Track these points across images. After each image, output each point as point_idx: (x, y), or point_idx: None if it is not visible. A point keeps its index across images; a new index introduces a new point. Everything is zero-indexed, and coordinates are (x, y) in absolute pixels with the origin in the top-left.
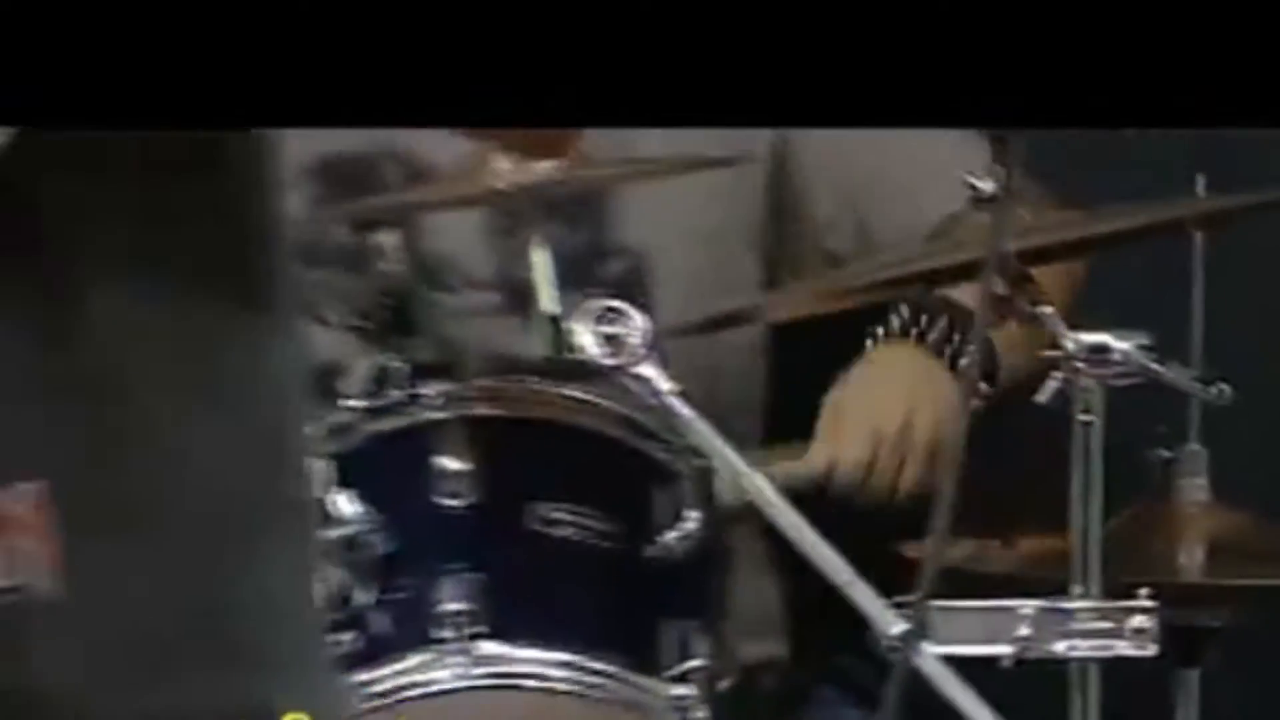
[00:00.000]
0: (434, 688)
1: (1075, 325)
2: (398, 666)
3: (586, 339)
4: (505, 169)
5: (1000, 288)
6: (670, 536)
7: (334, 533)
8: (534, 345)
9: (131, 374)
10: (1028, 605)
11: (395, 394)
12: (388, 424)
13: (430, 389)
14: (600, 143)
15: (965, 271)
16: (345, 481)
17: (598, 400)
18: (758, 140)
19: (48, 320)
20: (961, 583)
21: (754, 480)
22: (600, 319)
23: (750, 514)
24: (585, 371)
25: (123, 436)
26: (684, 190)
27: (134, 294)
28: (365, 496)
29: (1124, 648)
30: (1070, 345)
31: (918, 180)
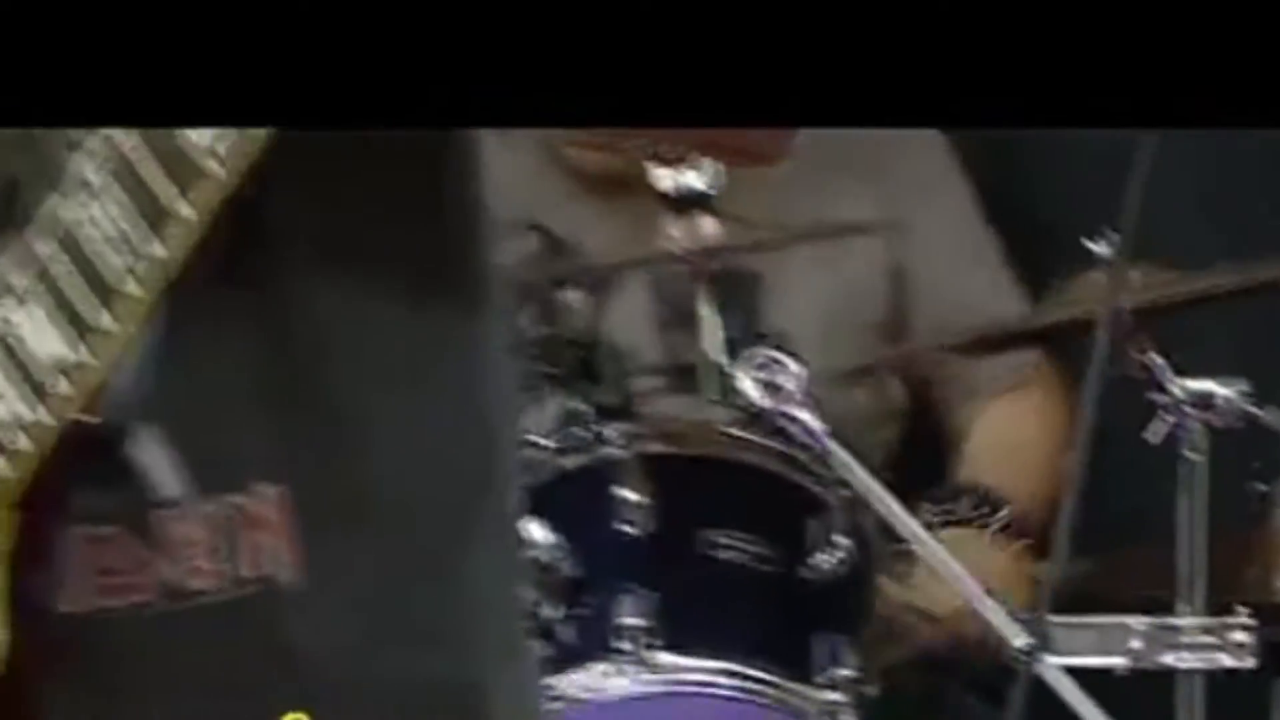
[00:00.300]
0: (613, 694)
1: (1182, 372)
2: (581, 675)
3: (748, 385)
4: (678, 234)
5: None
6: (822, 559)
7: (526, 555)
8: (702, 390)
9: (353, 375)
10: (1140, 621)
11: (580, 433)
12: (574, 460)
13: (611, 429)
14: (754, 207)
15: (1080, 327)
16: (536, 511)
17: (758, 439)
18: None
19: (275, 327)
20: (1078, 600)
21: (894, 508)
22: (761, 367)
23: (891, 536)
24: (749, 412)
25: (348, 434)
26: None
27: (353, 297)
28: (554, 525)
29: (1226, 660)
30: (1178, 392)
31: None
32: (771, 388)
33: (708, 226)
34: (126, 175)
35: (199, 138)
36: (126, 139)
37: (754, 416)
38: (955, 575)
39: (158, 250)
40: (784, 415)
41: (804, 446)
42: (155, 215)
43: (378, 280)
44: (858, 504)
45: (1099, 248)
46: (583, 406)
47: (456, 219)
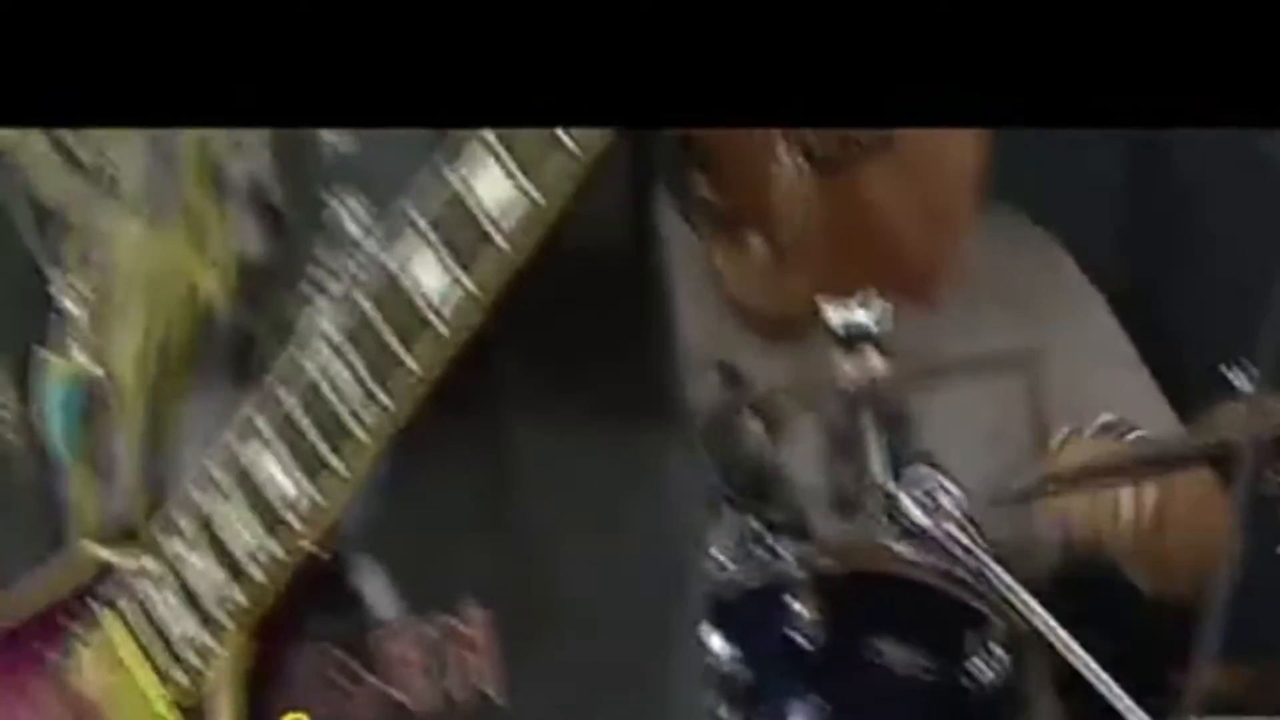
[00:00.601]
0: None
1: None
2: None
3: (911, 505)
4: (847, 368)
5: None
6: (981, 669)
7: (708, 664)
8: (870, 510)
9: (554, 498)
10: None
11: (757, 551)
12: (751, 577)
13: (786, 547)
14: (909, 342)
15: (1223, 452)
16: (716, 623)
17: (921, 556)
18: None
19: (485, 456)
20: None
21: (1047, 620)
22: (922, 488)
23: (1045, 648)
24: (911, 531)
25: (549, 555)
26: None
27: (555, 425)
28: (732, 636)
29: None
30: None
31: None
32: (932, 508)
33: (875, 361)
34: (359, 330)
35: (428, 294)
36: (363, 298)
37: (917, 535)
38: (1104, 681)
39: (386, 401)
40: (944, 533)
41: (963, 563)
42: (385, 369)
43: (579, 409)
44: (1015, 617)
45: (1238, 379)
46: (759, 526)
47: (652, 355)
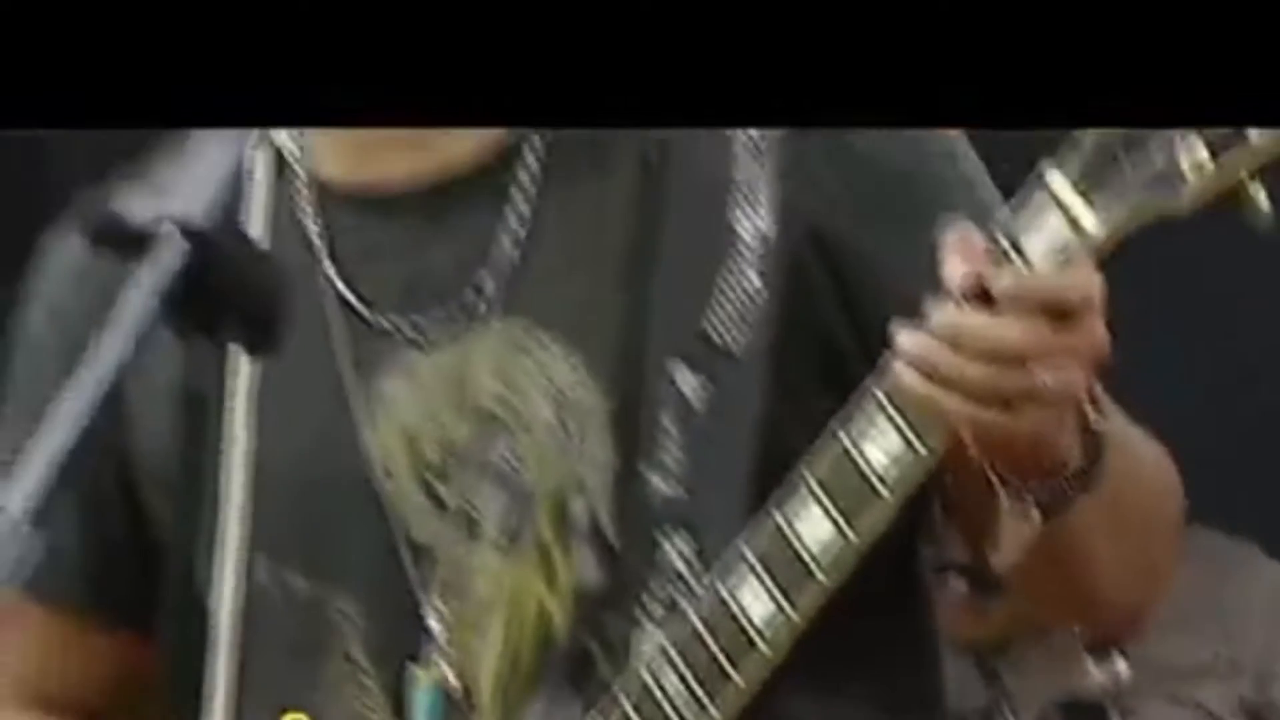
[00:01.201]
0: None
1: None
2: None
3: None
4: (1096, 674)
5: None
6: None
7: None
8: None
9: None
10: None
11: None
12: None
13: None
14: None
15: None
16: None
17: None
18: None
19: None
20: None
21: None
22: None
23: None
24: None
25: None
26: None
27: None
28: None
29: None
30: None
31: None
32: None
33: (1120, 666)
34: (691, 647)
35: (755, 620)
36: (696, 620)
37: None
38: None
39: (715, 714)
40: None
41: None
42: (714, 683)
43: (854, 704)
44: None
45: None
46: None
47: (918, 656)
